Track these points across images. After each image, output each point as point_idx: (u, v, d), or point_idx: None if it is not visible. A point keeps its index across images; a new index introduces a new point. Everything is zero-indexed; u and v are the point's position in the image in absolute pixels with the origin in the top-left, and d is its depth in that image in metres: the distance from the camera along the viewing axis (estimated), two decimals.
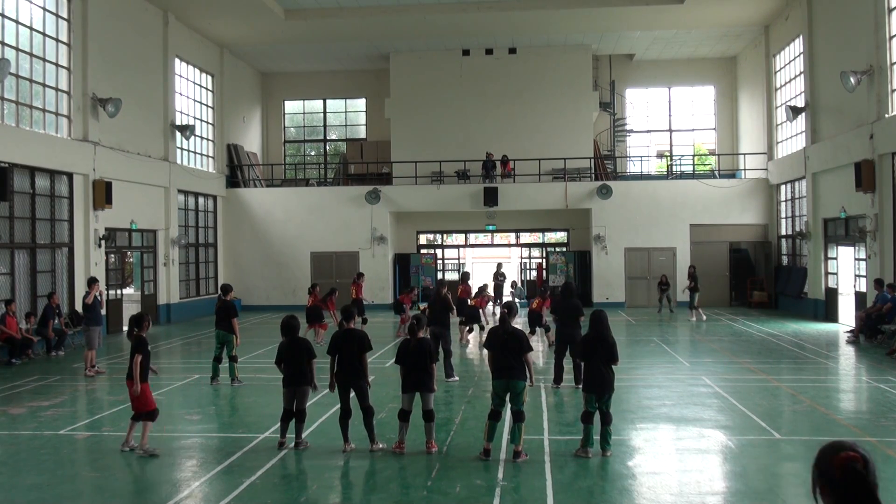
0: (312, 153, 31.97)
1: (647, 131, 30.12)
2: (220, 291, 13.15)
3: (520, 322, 15.91)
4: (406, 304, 18.89)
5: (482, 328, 17.47)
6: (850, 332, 16.99)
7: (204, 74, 25.86)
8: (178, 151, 23.62)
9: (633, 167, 29.24)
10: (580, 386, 10.80)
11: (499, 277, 25.28)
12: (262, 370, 13.54)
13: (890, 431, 8.96)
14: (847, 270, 20.09)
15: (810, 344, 16.36)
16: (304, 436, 8.52)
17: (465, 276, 19.83)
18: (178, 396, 11.76)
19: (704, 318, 20.94)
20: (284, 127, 31.10)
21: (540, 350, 15.82)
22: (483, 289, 19.14)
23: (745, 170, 26.45)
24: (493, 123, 27.43)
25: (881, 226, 17.10)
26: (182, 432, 9.40)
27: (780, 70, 24.44)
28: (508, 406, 8.10)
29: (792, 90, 23.25)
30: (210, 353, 13.57)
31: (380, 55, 27.88)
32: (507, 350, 7.91)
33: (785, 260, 24.55)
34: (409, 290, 19.94)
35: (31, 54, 17.29)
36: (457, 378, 12.49)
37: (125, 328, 20.63)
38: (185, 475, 7.71)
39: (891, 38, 17.02)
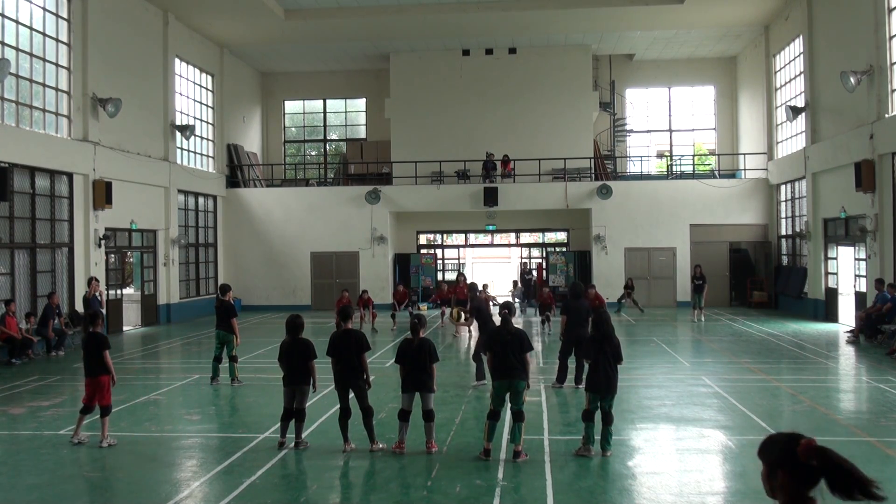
0: (313, 153, 31.98)
1: (647, 131, 30.12)
2: (218, 291, 13.16)
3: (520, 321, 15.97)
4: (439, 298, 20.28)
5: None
6: (850, 332, 16.98)
7: (204, 74, 25.86)
8: (178, 151, 23.62)
9: (633, 167, 29.24)
10: (580, 386, 10.81)
11: (526, 276, 25.11)
12: (262, 370, 13.54)
13: (890, 431, 8.96)
14: (847, 270, 20.08)
15: (810, 344, 16.36)
16: (304, 436, 8.52)
17: (460, 278, 19.91)
18: (178, 396, 11.76)
19: (703, 319, 20.76)
20: (284, 127, 31.10)
21: (540, 350, 15.82)
22: (515, 283, 19.81)
23: (745, 170, 26.45)
24: (493, 123, 27.43)
25: (881, 226, 17.10)
26: (182, 432, 9.39)
27: (780, 70, 24.44)
28: (508, 406, 8.11)
29: (792, 90, 23.25)
30: (210, 353, 13.57)
31: (380, 55, 27.88)
32: (509, 350, 7.94)
33: (785, 260, 24.55)
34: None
35: (31, 54, 17.29)
36: (485, 382, 12.27)
37: (125, 328, 20.68)
38: (185, 475, 7.71)
39: (891, 38, 17.01)
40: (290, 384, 8.42)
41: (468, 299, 18.65)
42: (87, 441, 8.79)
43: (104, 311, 17.82)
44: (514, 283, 25.80)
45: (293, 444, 8.36)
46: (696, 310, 20.94)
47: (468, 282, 17.48)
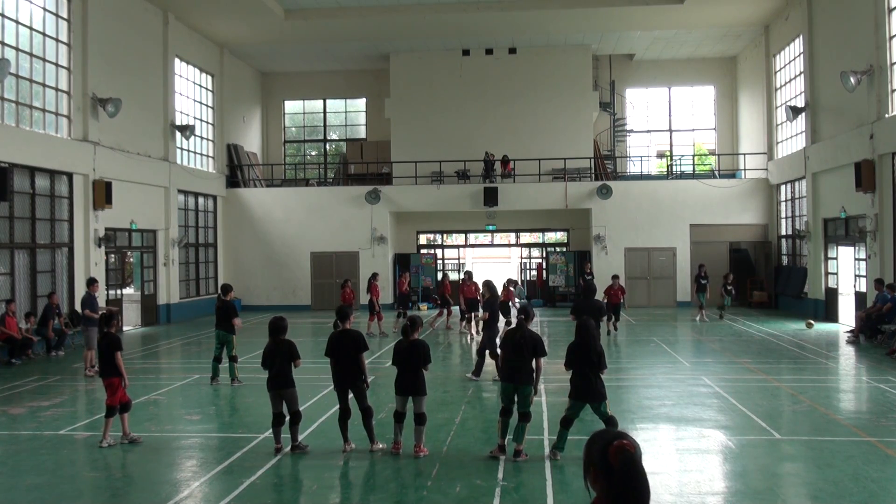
0: (313, 153, 31.97)
1: (647, 131, 30.11)
2: (219, 291, 13.15)
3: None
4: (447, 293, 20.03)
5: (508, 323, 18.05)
6: (850, 332, 16.99)
7: (204, 74, 25.86)
8: (178, 151, 23.62)
9: (633, 167, 29.24)
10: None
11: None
12: (261, 370, 13.50)
13: (890, 431, 8.96)
14: (847, 270, 20.09)
15: (810, 344, 16.36)
16: (301, 438, 8.40)
17: (468, 276, 19.87)
18: (178, 396, 11.76)
19: (706, 320, 20.77)
20: (284, 127, 31.10)
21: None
22: (512, 282, 19.43)
23: (745, 170, 26.45)
24: (493, 123, 27.42)
25: (881, 226, 17.10)
26: (182, 432, 9.39)
27: (780, 70, 24.44)
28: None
29: (792, 90, 23.25)
30: (209, 353, 13.57)
31: (380, 55, 27.88)
32: (518, 353, 7.92)
33: (785, 260, 24.55)
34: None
35: (31, 54, 17.29)
36: (477, 379, 12.41)
37: (125, 328, 20.67)
38: (185, 475, 7.71)
39: (891, 38, 17.01)
40: (274, 388, 8.27)
41: (480, 297, 18.67)
42: (140, 439, 8.81)
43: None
44: (514, 282, 25.73)
45: (290, 447, 8.24)
46: (701, 310, 20.91)
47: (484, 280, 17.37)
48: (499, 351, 12.35)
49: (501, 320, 16.58)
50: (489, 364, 12.75)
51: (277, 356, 8.29)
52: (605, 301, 17.98)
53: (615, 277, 19.13)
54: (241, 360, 13.17)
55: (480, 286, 19.01)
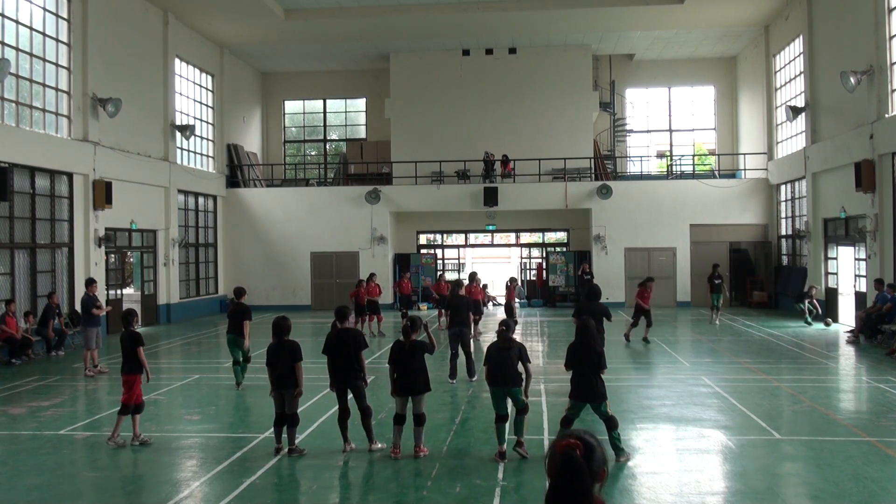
0: (313, 153, 31.98)
1: (647, 131, 30.11)
2: (233, 294, 13.06)
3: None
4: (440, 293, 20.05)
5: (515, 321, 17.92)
6: (850, 332, 16.99)
7: (204, 74, 25.86)
8: (178, 151, 23.62)
9: (633, 167, 29.23)
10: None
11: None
12: (262, 370, 13.48)
13: (890, 431, 8.96)
14: (847, 270, 20.08)
15: (810, 344, 16.36)
16: (301, 438, 8.39)
17: (472, 276, 19.80)
18: (178, 396, 11.76)
19: (717, 323, 20.10)
20: (284, 127, 31.10)
21: (541, 351, 15.81)
22: (513, 280, 19.40)
23: (745, 170, 26.45)
24: (493, 123, 27.42)
25: (881, 226, 17.10)
26: (182, 432, 9.39)
27: (780, 70, 24.44)
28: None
29: (792, 90, 23.25)
30: (209, 353, 13.55)
31: (380, 55, 27.88)
32: (503, 359, 7.93)
33: (785, 260, 24.55)
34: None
35: (31, 54, 17.29)
36: (453, 382, 12.41)
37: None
38: (185, 475, 7.72)
39: (891, 38, 17.01)
40: (278, 388, 8.28)
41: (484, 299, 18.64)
42: (150, 440, 8.77)
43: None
44: (514, 281, 25.70)
45: (287, 450, 8.23)
46: (715, 311, 20.30)
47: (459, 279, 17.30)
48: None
49: (491, 321, 16.47)
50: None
51: (281, 356, 8.29)
52: (636, 305, 17.10)
53: (650, 280, 17.67)
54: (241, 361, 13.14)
55: (481, 287, 18.98)
